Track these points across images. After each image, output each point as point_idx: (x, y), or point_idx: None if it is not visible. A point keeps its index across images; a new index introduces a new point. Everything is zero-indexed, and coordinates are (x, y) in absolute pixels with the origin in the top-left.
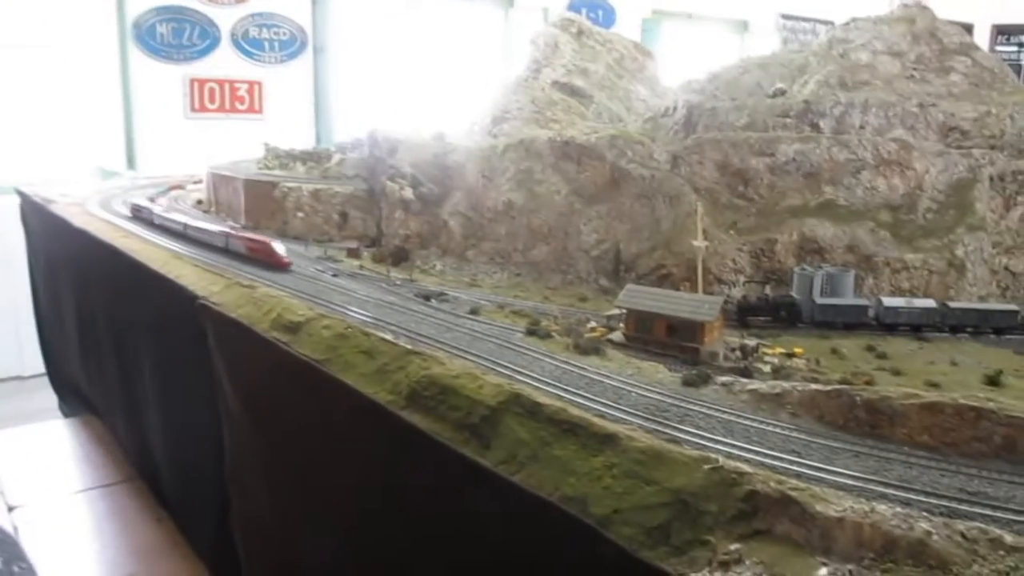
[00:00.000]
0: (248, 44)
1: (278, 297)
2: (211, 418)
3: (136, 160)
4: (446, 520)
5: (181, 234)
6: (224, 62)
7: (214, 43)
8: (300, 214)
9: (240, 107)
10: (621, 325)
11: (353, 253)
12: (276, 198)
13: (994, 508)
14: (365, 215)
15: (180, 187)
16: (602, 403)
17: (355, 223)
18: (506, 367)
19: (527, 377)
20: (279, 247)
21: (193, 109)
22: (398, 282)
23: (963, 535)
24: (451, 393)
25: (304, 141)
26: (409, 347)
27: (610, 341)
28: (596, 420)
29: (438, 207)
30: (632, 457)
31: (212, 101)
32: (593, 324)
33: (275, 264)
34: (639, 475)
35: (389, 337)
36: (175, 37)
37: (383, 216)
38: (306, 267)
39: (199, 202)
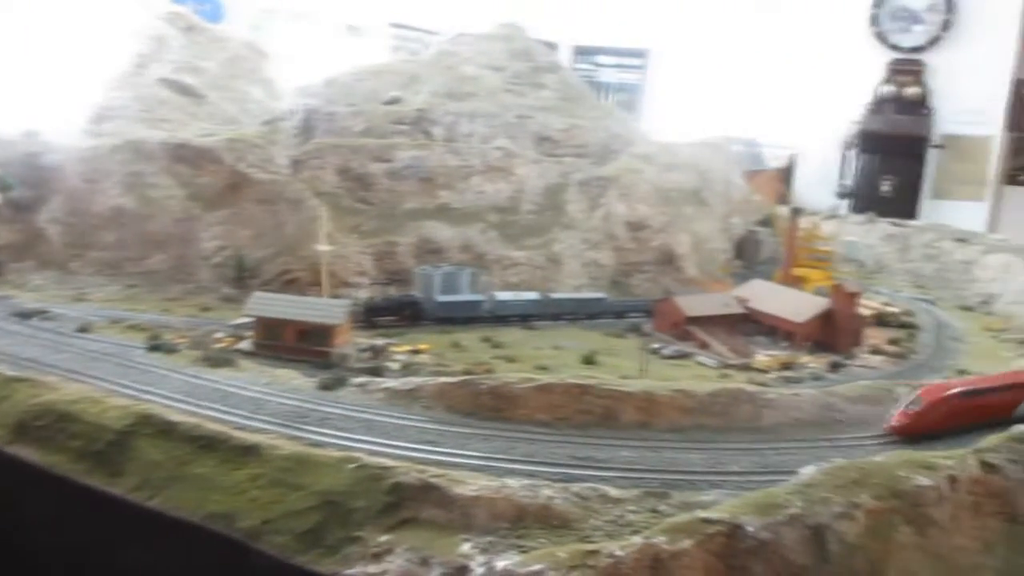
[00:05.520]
0: None
1: None
2: None
3: None
4: (76, 556)
5: None
6: None
7: None
8: None
9: None
10: (251, 333)
11: None
12: None
13: (600, 468)
14: None
15: None
16: (240, 415)
17: None
18: (131, 387)
19: (156, 396)
20: None
21: None
22: None
23: (578, 495)
24: (70, 420)
25: None
26: (12, 374)
27: (240, 350)
28: (236, 433)
29: (33, 213)
30: (277, 465)
31: None
32: (221, 334)
33: None
34: (286, 482)
35: None
36: None
37: None
38: None
39: None
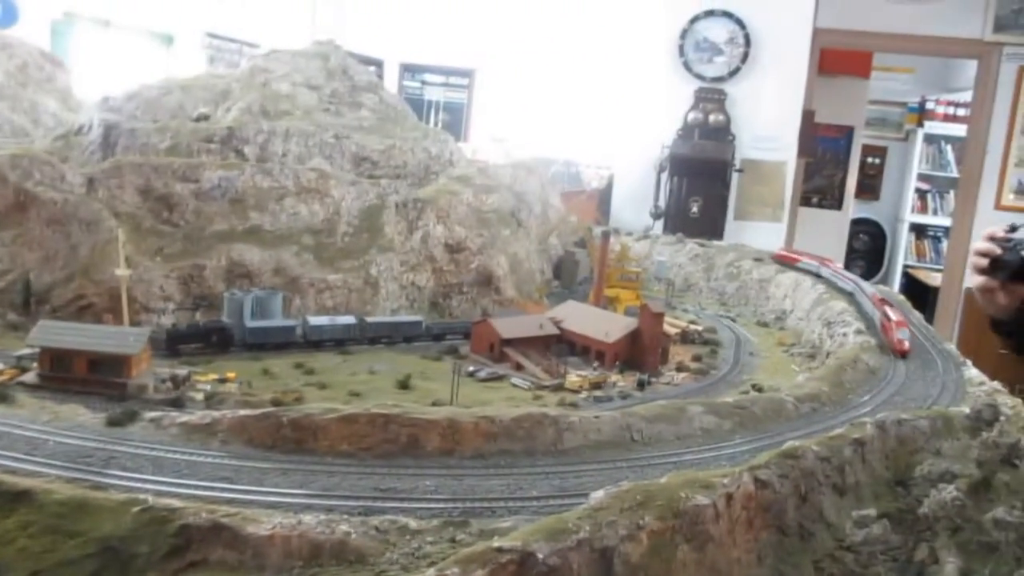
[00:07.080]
0: None
1: None
2: None
3: None
4: None
5: None
6: None
7: None
8: None
9: None
10: (35, 365)
11: None
12: None
13: (401, 500)
14: None
15: None
16: (12, 457)
17: None
18: None
19: None
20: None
21: None
22: None
23: (377, 528)
24: None
25: None
26: None
27: (22, 384)
28: (6, 477)
29: None
30: (51, 511)
31: None
32: (1, 367)
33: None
34: (61, 529)
35: None
36: None
37: None
38: None
39: None
